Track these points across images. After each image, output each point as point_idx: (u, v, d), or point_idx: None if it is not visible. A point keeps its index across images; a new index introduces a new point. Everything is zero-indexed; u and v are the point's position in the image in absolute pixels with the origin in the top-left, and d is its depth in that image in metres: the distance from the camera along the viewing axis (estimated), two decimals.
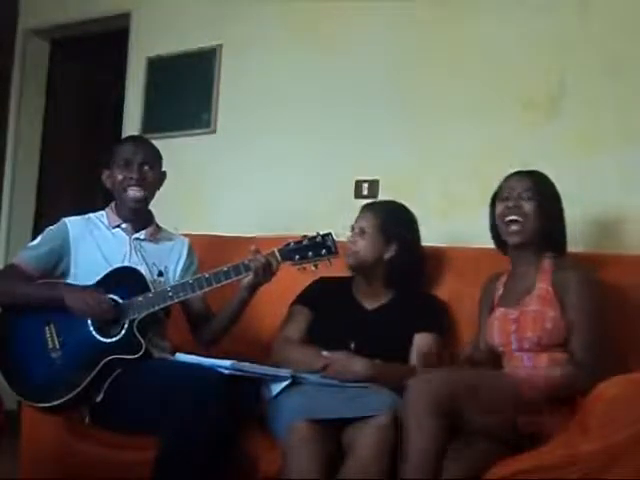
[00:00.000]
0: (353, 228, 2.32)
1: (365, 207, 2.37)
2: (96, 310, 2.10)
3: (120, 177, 2.28)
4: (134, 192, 2.27)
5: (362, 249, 2.27)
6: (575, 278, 2.02)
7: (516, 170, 2.17)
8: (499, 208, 2.13)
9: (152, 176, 2.32)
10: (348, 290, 2.36)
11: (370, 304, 2.32)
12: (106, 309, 2.10)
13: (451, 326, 2.36)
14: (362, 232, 2.28)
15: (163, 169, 2.39)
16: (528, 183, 2.10)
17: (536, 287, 2.05)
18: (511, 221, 2.08)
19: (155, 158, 2.35)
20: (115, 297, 2.14)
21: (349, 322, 2.26)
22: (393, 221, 2.31)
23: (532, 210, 2.07)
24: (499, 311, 2.12)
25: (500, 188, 2.16)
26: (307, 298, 2.37)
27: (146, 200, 2.33)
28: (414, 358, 2.21)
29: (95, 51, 4.25)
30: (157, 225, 2.40)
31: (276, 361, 2.22)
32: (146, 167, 2.30)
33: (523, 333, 2.01)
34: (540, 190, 2.10)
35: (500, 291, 2.18)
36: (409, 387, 1.82)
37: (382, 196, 2.88)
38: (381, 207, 2.35)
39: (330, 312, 2.29)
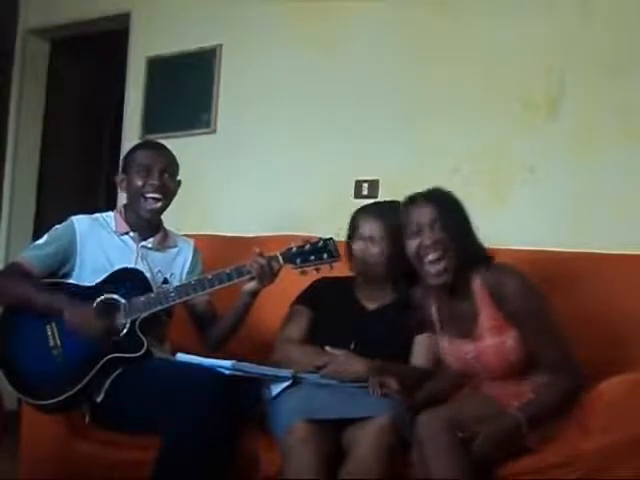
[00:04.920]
0: (360, 236, 2.28)
1: (368, 213, 2.31)
2: (87, 331, 2.07)
3: (139, 183, 2.24)
4: (153, 203, 2.24)
5: (373, 257, 2.26)
6: (513, 289, 1.87)
7: (411, 196, 1.98)
8: (412, 245, 1.93)
9: (172, 185, 2.29)
10: (349, 290, 2.36)
11: (371, 304, 2.32)
12: (97, 331, 2.07)
13: None
14: (372, 240, 2.26)
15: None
16: (431, 211, 1.91)
17: (481, 316, 1.91)
18: (433, 261, 1.90)
19: (175, 166, 2.32)
20: (117, 297, 2.13)
21: (349, 322, 2.26)
22: (398, 224, 2.30)
23: (448, 242, 1.89)
24: (446, 342, 2.01)
25: (403, 221, 1.97)
26: (308, 298, 2.37)
27: (162, 211, 2.30)
28: (416, 359, 2.21)
29: (95, 51, 4.25)
30: (165, 231, 2.37)
31: (277, 360, 2.22)
32: (166, 175, 2.27)
33: (489, 368, 1.93)
34: (447, 214, 1.92)
35: (434, 310, 2.05)
36: (420, 418, 1.81)
37: (382, 196, 2.88)
38: (383, 210, 2.31)
39: (331, 312, 2.29)
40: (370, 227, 2.28)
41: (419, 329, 2.22)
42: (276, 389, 2.07)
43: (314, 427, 1.89)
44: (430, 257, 1.90)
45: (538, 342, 1.87)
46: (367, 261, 2.27)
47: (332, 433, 1.92)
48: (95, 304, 2.12)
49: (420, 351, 2.21)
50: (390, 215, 2.29)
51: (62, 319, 2.11)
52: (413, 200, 1.97)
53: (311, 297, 2.36)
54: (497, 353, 1.89)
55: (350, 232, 2.34)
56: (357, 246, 2.28)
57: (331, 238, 2.17)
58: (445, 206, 1.94)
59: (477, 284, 1.92)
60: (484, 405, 1.92)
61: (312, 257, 2.14)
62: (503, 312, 1.88)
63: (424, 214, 1.92)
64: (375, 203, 2.44)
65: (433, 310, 2.05)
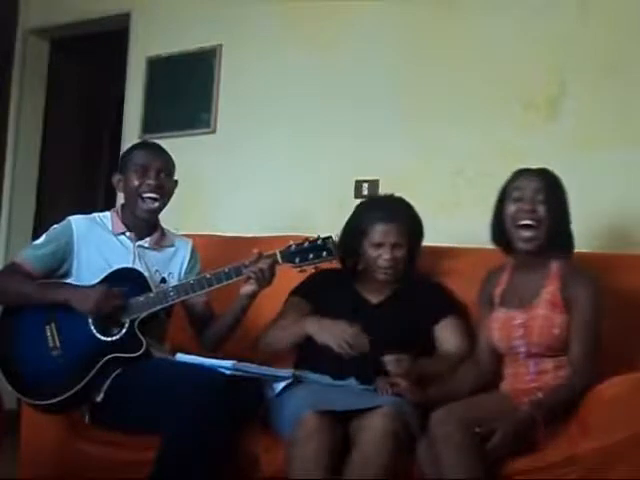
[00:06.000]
0: (373, 242, 2.25)
1: (380, 218, 2.26)
2: (104, 304, 2.08)
3: (136, 183, 2.24)
4: (150, 203, 2.24)
5: (400, 262, 2.26)
6: (584, 283, 1.98)
7: (524, 168, 2.07)
8: (511, 209, 2.02)
9: (168, 185, 2.29)
10: (349, 282, 2.34)
11: (374, 297, 2.30)
12: (115, 300, 2.09)
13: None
14: (396, 246, 2.24)
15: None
16: (540, 184, 2.01)
17: (544, 290, 2.00)
18: (525, 226, 1.99)
19: (171, 166, 2.32)
20: None
21: (354, 317, 2.20)
22: (412, 225, 2.31)
23: (545, 214, 1.99)
24: (501, 312, 2.06)
25: (509, 186, 2.06)
26: (306, 290, 2.35)
27: (159, 211, 2.30)
28: (444, 344, 2.21)
29: (95, 51, 4.26)
30: (162, 230, 2.37)
31: (266, 344, 2.26)
32: (163, 175, 2.27)
33: (531, 339, 1.97)
34: (552, 192, 2.02)
35: (501, 287, 2.11)
36: (433, 415, 1.82)
37: None
38: (395, 212, 2.28)
39: (332, 306, 2.25)
40: (384, 233, 2.24)
41: (443, 313, 2.24)
42: (278, 387, 2.08)
43: (322, 418, 1.88)
44: (525, 221, 1.99)
45: (573, 333, 1.95)
46: (381, 266, 2.25)
47: (339, 425, 1.91)
48: None
49: (447, 336, 2.22)
50: (401, 216, 2.28)
51: (61, 320, 2.12)
52: (524, 171, 2.06)
53: (309, 289, 2.34)
54: (544, 324, 1.96)
55: (355, 232, 2.29)
56: (370, 252, 2.25)
57: (330, 236, 2.17)
58: (551, 184, 2.04)
59: (554, 266, 2.03)
60: (498, 402, 1.95)
61: (311, 255, 2.15)
62: (565, 302, 1.97)
63: (531, 184, 2.02)
64: (381, 204, 2.36)
65: (502, 280, 2.11)
